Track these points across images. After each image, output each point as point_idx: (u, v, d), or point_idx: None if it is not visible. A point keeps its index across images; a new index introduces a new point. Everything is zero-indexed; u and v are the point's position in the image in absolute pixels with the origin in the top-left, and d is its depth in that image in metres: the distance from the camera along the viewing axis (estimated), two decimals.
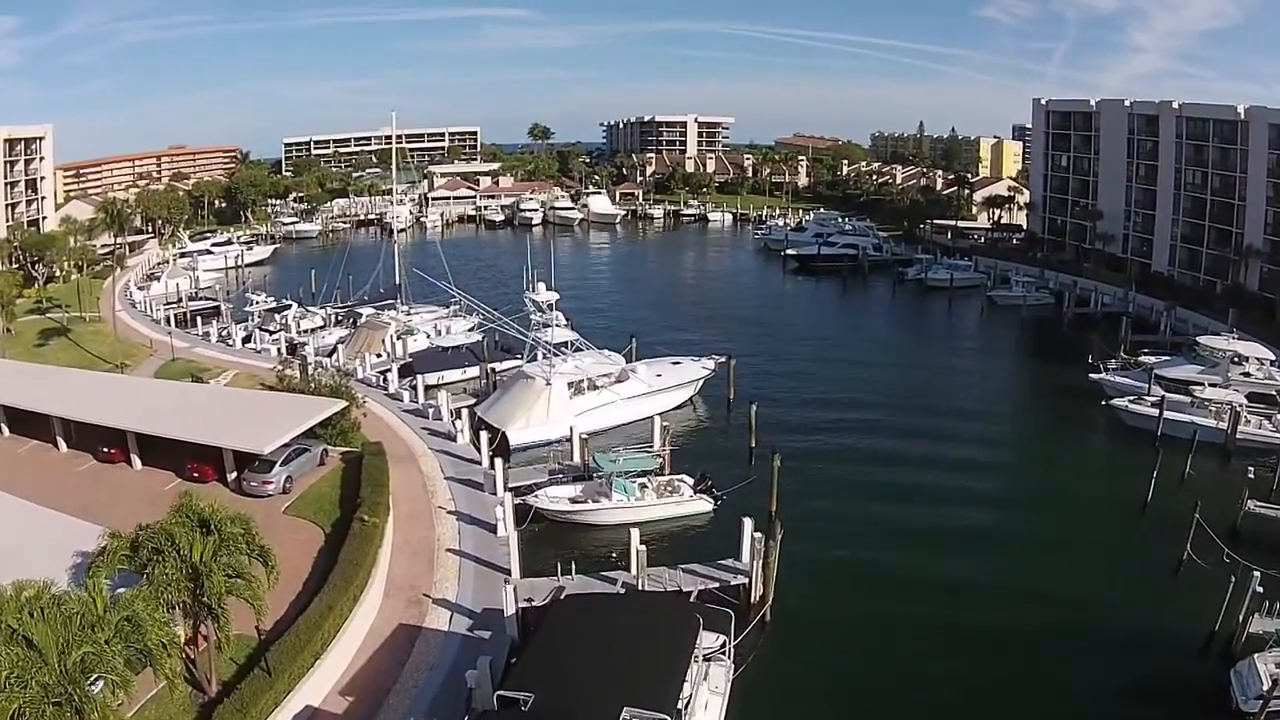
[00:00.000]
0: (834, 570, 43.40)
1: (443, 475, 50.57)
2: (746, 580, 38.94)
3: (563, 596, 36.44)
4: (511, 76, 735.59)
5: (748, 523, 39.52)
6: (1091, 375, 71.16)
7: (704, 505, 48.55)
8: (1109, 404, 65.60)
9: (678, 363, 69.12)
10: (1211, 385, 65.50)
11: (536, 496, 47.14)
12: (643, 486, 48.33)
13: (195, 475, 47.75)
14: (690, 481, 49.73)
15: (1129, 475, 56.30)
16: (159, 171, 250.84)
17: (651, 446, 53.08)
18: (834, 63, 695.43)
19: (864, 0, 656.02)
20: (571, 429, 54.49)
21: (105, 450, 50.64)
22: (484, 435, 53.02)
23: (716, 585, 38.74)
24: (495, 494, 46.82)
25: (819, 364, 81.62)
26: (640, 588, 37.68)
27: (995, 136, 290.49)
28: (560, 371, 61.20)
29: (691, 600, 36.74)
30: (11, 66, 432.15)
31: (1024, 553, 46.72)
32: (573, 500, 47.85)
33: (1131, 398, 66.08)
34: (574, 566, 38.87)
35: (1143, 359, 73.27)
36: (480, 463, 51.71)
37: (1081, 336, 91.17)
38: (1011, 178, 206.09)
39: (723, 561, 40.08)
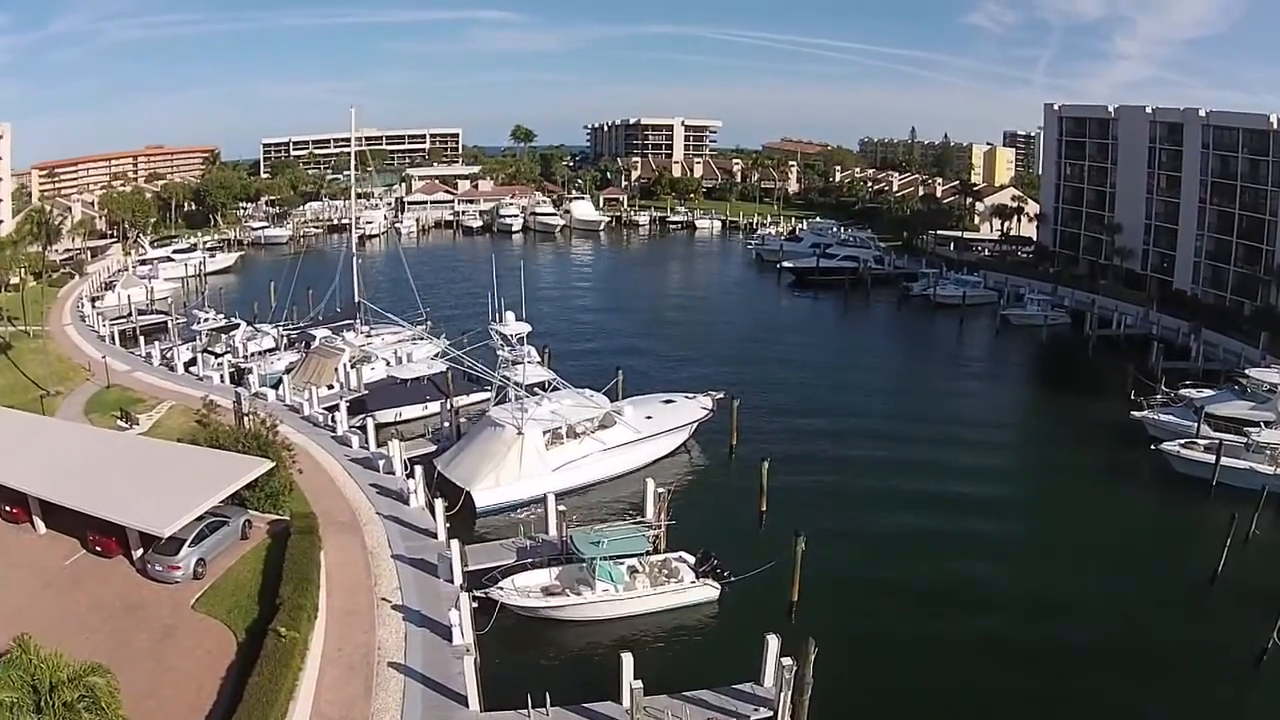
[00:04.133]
0: (876, 694, 34.54)
1: (390, 552, 41.47)
2: (771, 714, 30.54)
3: None
4: (495, 79, 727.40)
5: (773, 643, 31.13)
6: (1134, 413, 64.15)
7: (708, 593, 39.93)
8: (1158, 449, 57.85)
9: (670, 401, 60.00)
10: (1267, 425, 58.22)
11: (502, 589, 38.14)
12: (633, 571, 39.59)
13: (98, 549, 39.78)
14: (691, 561, 41.08)
15: (1188, 535, 50.17)
16: (135, 172, 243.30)
17: (643, 515, 44.51)
18: (820, 68, 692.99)
19: (850, 6, 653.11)
20: (547, 493, 45.53)
21: (8, 509, 42.99)
22: (440, 503, 43.61)
23: None
24: (452, 581, 38.11)
25: (827, 402, 72.45)
26: None
27: (988, 143, 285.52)
28: (535, 418, 51.85)
29: None
30: None
31: (1089, 649, 38.49)
32: (547, 590, 38.93)
33: (1182, 441, 58.68)
34: (548, 696, 30.21)
35: (1185, 393, 65.94)
36: (436, 535, 42.78)
37: (1108, 362, 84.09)
38: (1003, 185, 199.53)
39: (739, 686, 31.62)
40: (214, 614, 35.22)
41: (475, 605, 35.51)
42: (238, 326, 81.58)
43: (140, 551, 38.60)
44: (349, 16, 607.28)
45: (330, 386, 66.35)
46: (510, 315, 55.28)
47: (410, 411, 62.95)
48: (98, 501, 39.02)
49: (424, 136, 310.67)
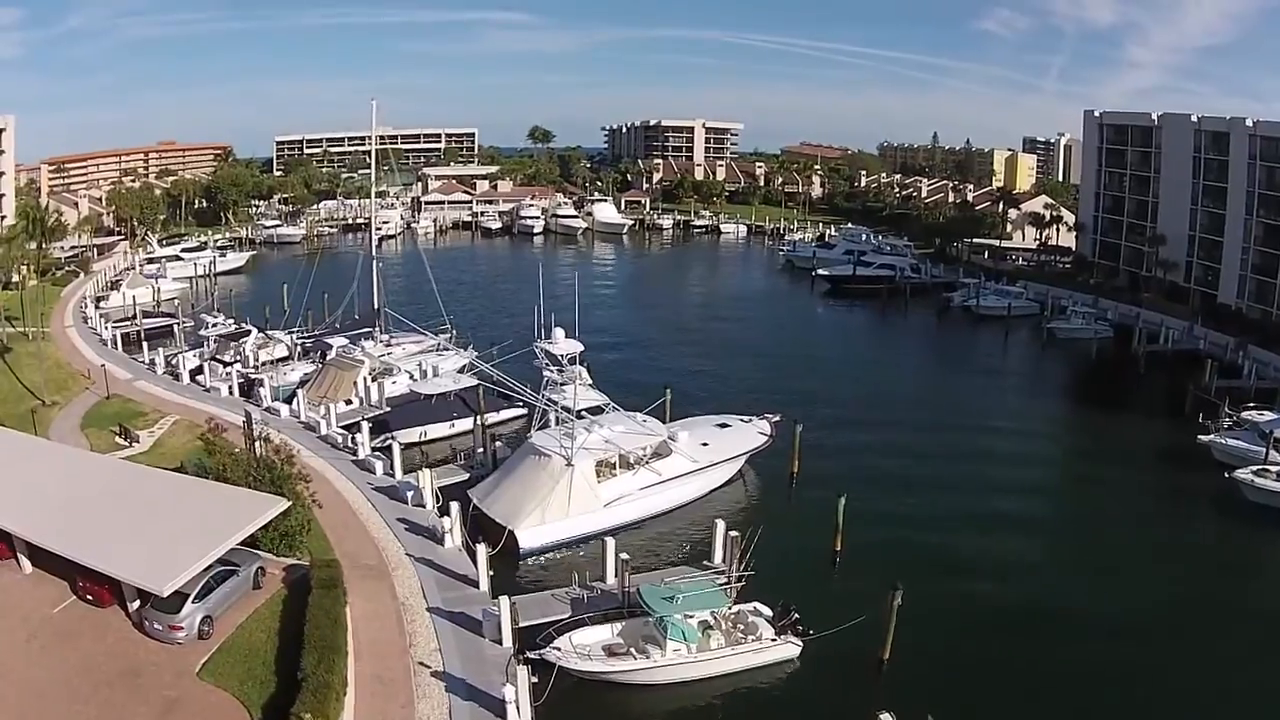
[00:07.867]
0: None
1: (425, 604, 36.17)
2: None
3: None
4: (511, 80, 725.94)
5: None
6: (1200, 437, 59.62)
7: (790, 650, 34.74)
8: (1231, 476, 52.82)
9: (725, 425, 54.34)
10: None
11: (558, 649, 32.99)
12: (706, 627, 34.41)
13: (89, 598, 34.43)
14: (768, 614, 36.00)
15: (1265, 573, 47.14)
16: (146, 168, 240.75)
17: (710, 560, 39.29)
18: (836, 73, 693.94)
19: (864, 11, 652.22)
20: (602, 534, 40.40)
21: None
22: (482, 549, 38.02)
23: None
24: (500, 642, 32.84)
25: (885, 424, 66.01)
26: None
27: (1009, 149, 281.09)
28: (586, 447, 46.10)
29: None
30: (13, 59, 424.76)
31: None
32: (609, 650, 33.76)
33: (1255, 468, 53.91)
34: None
35: (1247, 415, 61.62)
36: (478, 584, 37.50)
37: (1160, 380, 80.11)
38: (1026, 192, 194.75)
39: None
40: (224, 684, 29.97)
41: (535, 677, 30.03)
42: (248, 333, 76.49)
43: (136, 604, 33.33)
44: (363, 16, 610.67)
45: (348, 401, 61.28)
46: (560, 332, 49.83)
47: (436, 431, 57.79)
48: (88, 547, 33.59)
49: (439, 136, 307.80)
